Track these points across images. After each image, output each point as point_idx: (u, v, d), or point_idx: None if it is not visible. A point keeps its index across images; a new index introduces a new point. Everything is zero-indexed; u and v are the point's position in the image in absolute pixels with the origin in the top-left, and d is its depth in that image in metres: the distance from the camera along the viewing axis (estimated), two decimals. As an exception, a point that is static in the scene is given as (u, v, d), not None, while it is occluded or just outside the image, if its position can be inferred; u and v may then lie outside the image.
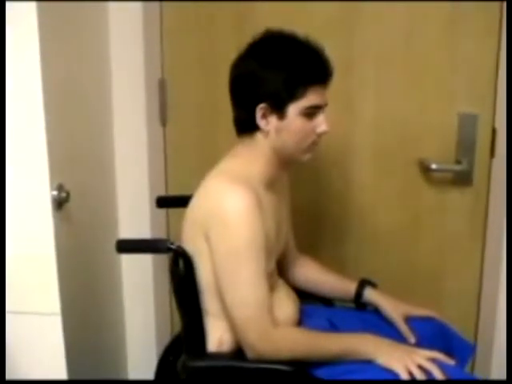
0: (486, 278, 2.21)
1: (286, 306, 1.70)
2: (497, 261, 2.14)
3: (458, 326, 1.80)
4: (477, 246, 2.20)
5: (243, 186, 1.51)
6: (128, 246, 1.78)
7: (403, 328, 1.73)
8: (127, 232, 2.26)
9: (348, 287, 1.85)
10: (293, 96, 1.54)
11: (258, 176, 1.61)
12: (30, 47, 1.49)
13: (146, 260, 2.29)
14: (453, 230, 2.20)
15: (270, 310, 1.53)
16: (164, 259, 2.23)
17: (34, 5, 1.47)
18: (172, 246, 1.63)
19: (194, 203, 1.63)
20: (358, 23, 2.09)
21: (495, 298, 2.17)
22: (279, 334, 1.54)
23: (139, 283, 2.34)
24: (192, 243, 1.61)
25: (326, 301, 1.93)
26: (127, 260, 2.29)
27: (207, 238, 1.54)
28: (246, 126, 1.61)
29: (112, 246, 1.69)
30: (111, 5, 2.10)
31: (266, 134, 1.58)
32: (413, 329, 1.72)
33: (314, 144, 1.62)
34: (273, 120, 1.56)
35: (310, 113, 1.57)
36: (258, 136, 1.60)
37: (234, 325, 1.54)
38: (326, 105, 1.60)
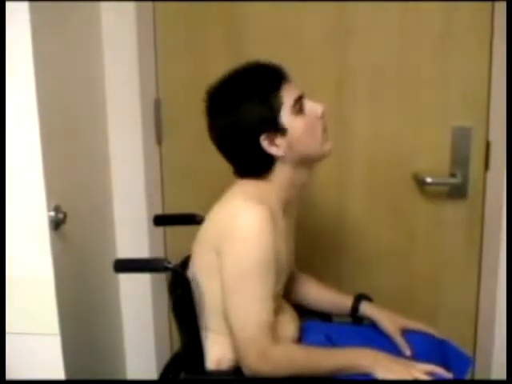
0: (483, 290, 2.21)
1: (289, 329, 1.70)
2: (493, 273, 2.15)
3: (456, 340, 1.80)
4: (473, 258, 2.20)
5: (260, 205, 1.51)
6: (126, 266, 1.78)
7: (399, 341, 1.73)
8: (125, 251, 2.26)
9: (344, 302, 1.85)
10: (275, 108, 1.55)
11: (276, 201, 1.60)
12: (23, 67, 1.50)
13: (144, 279, 2.29)
14: (449, 243, 2.20)
15: (272, 329, 1.53)
16: (162, 278, 2.23)
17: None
18: (169, 266, 1.63)
19: (207, 221, 1.62)
20: (350, 40, 2.10)
21: (493, 311, 2.17)
22: (278, 352, 1.53)
23: (138, 302, 2.34)
24: (201, 258, 1.61)
25: (324, 316, 1.93)
26: (125, 280, 2.29)
27: (218, 254, 1.54)
28: (260, 165, 1.60)
29: (110, 265, 1.70)
30: (105, 25, 2.12)
31: (283, 157, 1.58)
32: (409, 342, 1.72)
33: (325, 130, 1.62)
34: (280, 140, 1.56)
35: (299, 108, 1.57)
36: (277, 167, 1.59)
37: (235, 342, 1.54)
38: (304, 93, 1.60)
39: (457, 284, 2.23)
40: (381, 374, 1.48)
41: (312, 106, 1.60)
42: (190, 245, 1.76)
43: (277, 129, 1.56)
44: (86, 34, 2.04)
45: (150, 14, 2.14)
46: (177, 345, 1.91)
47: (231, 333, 1.55)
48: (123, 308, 2.35)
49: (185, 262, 1.77)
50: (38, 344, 1.63)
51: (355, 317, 1.84)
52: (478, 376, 2.21)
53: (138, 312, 2.36)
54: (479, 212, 2.16)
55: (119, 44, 2.15)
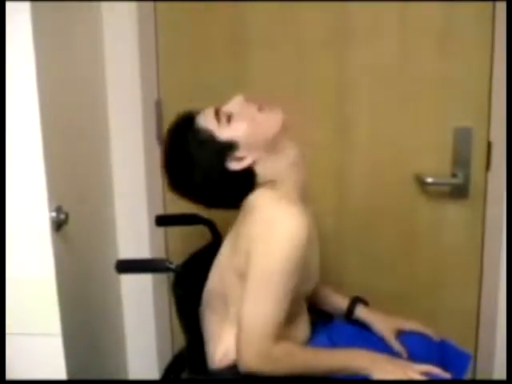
0: (484, 290, 2.20)
1: (304, 329, 1.71)
2: (495, 273, 2.15)
3: (458, 340, 1.80)
4: (474, 258, 2.20)
5: (293, 206, 1.51)
6: (127, 266, 1.79)
7: (393, 344, 1.73)
8: (126, 252, 2.27)
9: (340, 303, 1.87)
10: (209, 135, 1.57)
11: (295, 196, 1.60)
12: (25, 68, 1.50)
13: (145, 279, 2.29)
14: (450, 244, 2.20)
15: (276, 329, 1.52)
16: (163, 278, 2.24)
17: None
18: (171, 266, 1.63)
19: (241, 233, 1.60)
20: (351, 40, 2.10)
21: (494, 311, 2.17)
22: (277, 351, 1.53)
23: (139, 302, 2.35)
24: (234, 269, 1.59)
25: (326, 315, 1.93)
26: (127, 280, 2.30)
27: (248, 252, 1.52)
28: (249, 184, 1.61)
29: (111, 266, 1.70)
30: (106, 27, 2.13)
31: (256, 161, 1.59)
32: (405, 344, 1.73)
33: (261, 107, 1.62)
34: (240, 152, 1.57)
35: (224, 117, 1.58)
36: (261, 169, 1.60)
37: (239, 334, 1.53)
38: (218, 106, 1.61)
39: (458, 284, 2.23)
40: (377, 376, 1.49)
41: (230, 104, 1.61)
42: (192, 245, 1.77)
43: (227, 147, 1.57)
44: (86, 35, 2.05)
45: (151, 15, 2.14)
46: (178, 345, 1.92)
47: (238, 324, 1.53)
48: (125, 308, 2.36)
49: (186, 263, 1.78)
50: (40, 344, 1.64)
51: (350, 319, 1.84)
52: (480, 377, 2.21)
53: (139, 312, 2.36)
54: (480, 212, 2.16)
55: (120, 45, 2.15)
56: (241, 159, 1.58)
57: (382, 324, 1.78)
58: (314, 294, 1.87)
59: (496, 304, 2.16)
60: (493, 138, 2.09)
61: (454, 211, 2.18)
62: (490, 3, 2.01)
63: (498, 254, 2.13)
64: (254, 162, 1.59)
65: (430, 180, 2.11)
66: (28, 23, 1.48)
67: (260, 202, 1.58)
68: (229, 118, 1.58)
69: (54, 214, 1.67)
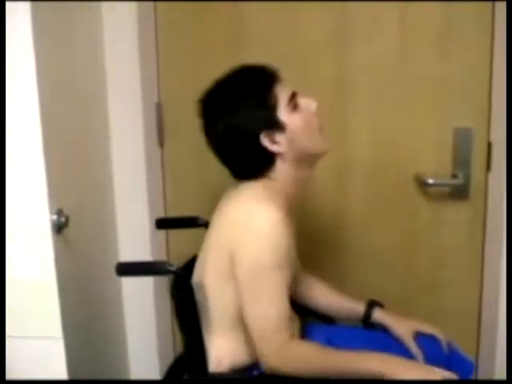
0: (485, 291, 2.20)
1: (296, 324, 1.71)
2: (496, 274, 2.15)
3: (459, 341, 1.80)
4: (475, 259, 2.20)
5: (273, 205, 1.52)
6: (128, 269, 1.78)
7: (412, 346, 1.72)
8: (127, 255, 2.27)
9: (356, 308, 1.85)
10: (271, 106, 1.57)
11: (284, 199, 1.60)
12: (25, 70, 1.50)
13: (146, 282, 2.29)
14: (451, 244, 2.20)
15: (289, 324, 1.54)
16: (165, 281, 2.23)
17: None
18: (171, 268, 1.63)
19: (216, 226, 1.63)
20: (351, 40, 2.11)
21: (496, 312, 2.17)
22: (295, 348, 1.53)
23: (140, 305, 2.34)
24: (212, 262, 1.61)
25: (327, 319, 1.93)
26: (128, 283, 2.30)
27: (232, 257, 1.54)
28: (261, 165, 1.62)
29: (112, 269, 1.70)
30: (106, 29, 2.13)
31: (283, 154, 1.59)
32: (419, 346, 1.72)
33: (321, 127, 1.64)
34: (279, 137, 1.58)
35: (295, 104, 1.59)
36: (278, 165, 1.61)
37: (253, 339, 1.54)
38: (296, 91, 1.62)
39: (458, 284, 2.23)
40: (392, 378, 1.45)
41: (306, 102, 1.62)
42: (193, 248, 1.76)
43: (275, 126, 1.57)
44: (86, 36, 2.05)
45: (151, 16, 2.14)
46: (179, 347, 1.91)
47: (248, 328, 1.54)
48: (126, 311, 2.36)
49: (187, 265, 1.77)
50: (41, 347, 1.63)
51: (366, 323, 1.84)
52: (481, 377, 2.20)
53: (140, 315, 2.36)
54: (481, 213, 2.16)
55: (121, 48, 2.15)
56: (275, 142, 1.58)
57: (401, 327, 1.77)
58: (324, 299, 1.88)
59: (497, 304, 2.16)
60: (493, 139, 2.10)
61: (454, 212, 2.18)
62: (490, 3, 2.02)
63: (499, 254, 2.13)
64: (280, 154, 1.59)
65: (430, 181, 2.11)
66: (28, 24, 1.48)
67: (240, 200, 1.59)
68: (295, 107, 1.59)
69: (54, 217, 1.67)
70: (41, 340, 1.63)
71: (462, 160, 2.13)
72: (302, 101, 1.61)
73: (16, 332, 1.59)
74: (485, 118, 2.10)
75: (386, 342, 1.76)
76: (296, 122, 1.59)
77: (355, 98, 2.15)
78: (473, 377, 2.00)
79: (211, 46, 2.16)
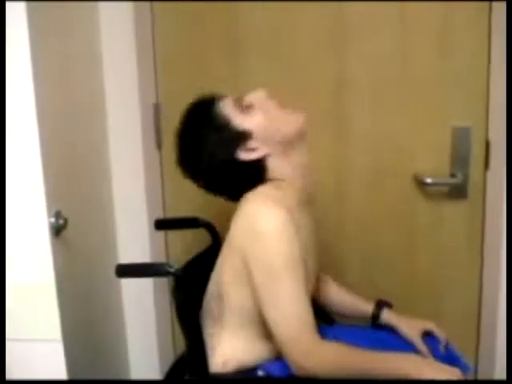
0: (485, 290, 2.20)
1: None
2: (495, 273, 2.15)
3: (458, 341, 1.79)
4: (475, 258, 2.20)
5: (277, 205, 1.51)
6: (127, 271, 1.78)
7: (421, 347, 1.72)
8: (126, 256, 2.26)
9: (365, 308, 1.86)
10: (225, 122, 1.59)
11: (293, 195, 1.61)
12: (22, 72, 1.50)
13: (146, 283, 2.29)
14: (450, 244, 2.20)
15: (313, 324, 1.52)
16: (164, 282, 2.24)
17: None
18: (171, 270, 1.63)
19: (233, 225, 1.61)
20: (349, 42, 2.11)
21: (495, 311, 2.17)
22: (323, 349, 1.51)
23: (140, 307, 2.34)
24: (227, 263, 1.61)
25: (327, 318, 1.93)
26: (127, 284, 2.30)
27: (244, 259, 1.53)
28: (256, 176, 1.62)
29: (112, 270, 1.70)
30: (104, 30, 2.12)
31: (267, 154, 1.60)
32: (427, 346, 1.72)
33: (284, 106, 1.63)
34: (252, 143, 1.59)
35: (244, 106, 1.60)
36: (270, 165, 1.61)
37: (278, 342, 1.52)
38: (239, 96, 1.63)
39: (458, 284, 2.23)
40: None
41: (253, 95, 1.62)
42: (192, 248, 1.77)
43: (241, 136, 1.58)
44: (83, 38, 2.04)
45: (148, 17, 2.14)
46: (180, 349, 1.91)
47: (272, 332, 1.52)
48: (125, 313, 2.36)
49: (187, 266, 1.78)
50: (41, 350, 1.64)
51: (375, 323, 1.84)
52: (481, 377, 2.20)
53: (140, 316, 2.36)
54: (480, 212, 2.16)
55: (118, 48, 2.15)
56: (252, 150, 1.59)
57: (409, 327, 1.78)
58: (335, 298, 1.89)
59: (496, 303, 2.16)
60: (491, 138, 2.09)
61: (453, 211, 2.18)
62: (487, 3, 2.01)
63: (498, 253, 2.13)
64: (264, 156, 1.59)
65: (429, 180, 2.11)
66: (24, 25, 1.48)
67: (249, 202, 1.58)
68: (248, 109, 1.60)
69: (53, 220, 1.67)
70: (40, 343, 1.63)
71: (460, 159, 2.13)
72: (249, 97, 1.62)
73: (15, 335, 1.59)
74: (483, 117, 2.09)
75: (390, 341, 1.75)
76: (256, 120, 1.59)
77: (354, 98, 2.14)
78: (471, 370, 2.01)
79: (209, 47, 2.16)
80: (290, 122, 1.62)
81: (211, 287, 1.68)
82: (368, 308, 1.85)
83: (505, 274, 2.11)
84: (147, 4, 2.14)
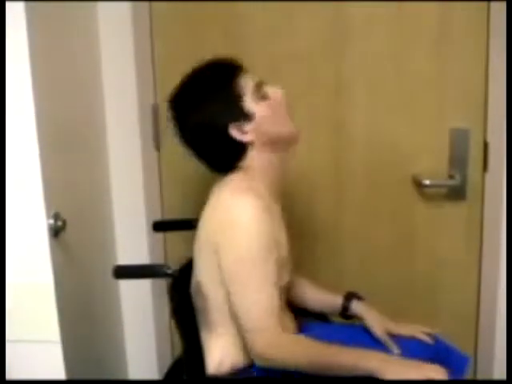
0: (483, 291, 2.20)
1: (288, 329, 1.69)
2: (494, 274, 2.15)
3: (457, 341, 1.79)
4: (473, 259, 2.20)
5: (250, 194, 1.53)
6: (126, 272, 1.79)
7: (384, 339, 1.72)
8: (125, 258, 2.26)
9: (335, 301, 1.85)
10: (237, 96, 1.60)
11: (264, 188, 1.62)
12: (20, 72, 1.50)
13: (144, 285, 2.29)
14: (448, 245, 2.20)
15: (278, 316, 1.52)
16: (162, 283, 2.23)
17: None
18: (169, 271, 1.64)
19: (201, 224, 1.63)
20: (346, 45, 2.11)
21: (494, 312, 2.17)
22: (287, 339, 1.53)
23: (138, 308, 2.34)
24: (201, 260, 1.62)
25: (320, 317, 1.93)
26: (126, 285, 2.29)
27: (216, 251, 1.54)
28: (234, 156, 1.63)
29: (110, 272, 1.70)
30: (102, 32, 2.13)
31: (254, 143, 1.61)
32: (402, 346, 1.70)
33: (289, 113, 1.66)
34: (248, 126, 1.60)
35: (261, 93, 1.61)
36: (251, 154, 1.62)
37: (243, 331, 1.53)
38: (262, 80, 1.64)
39: (457, 285, 2.23)
40: (389, 377, 1.41)
41: (273, 91, 1.64)
42: (190, 250, 1.76)
43: (243, 116, 1.60)
44: (82, 38, 2.04)
45: (146, 17, 2.14)
46: (178, 350, 1.91)
47: (237, 322, 1.54)
48: (124, 314, 2.35)
49: (185, 268, 1.77)
50: (39, 351, 1.63)
51: (346, 315, 1.84)
52: (480, 377, 2.21)
53: (138, 318, 2.35)
54: (478, 213, 2.16)
55: (116, 50, 2.15)
56: (244, 132, 1.60)
57: (374, 320, 1.77)
58: (309, 296, 1.88)
59: (495, 304, 2.16)
60: (489, 139, 2.10)
61: (451, 213, 2.18)
62: (485, 3, 2.02)
63: (497, 254, 2.13)
64: (251, 143, 1.61)
65: (427, 182, 2.11)
66: (23, 25, 1.48)
67: (220, 192, 1.60)
68: (263, 97, 1.61)
69: (51, 221, 1.66)
70: (38, 344, 1.62)
71: (458, 161, 2.13)
72: (269, 89, 1.63)
73: (13, 336, 1.59)
74: (481, 118, 2.10)
75: (360, 337, 1.75)
76: (264, 111, 1.61)
77: (352, 98, 2.14)
78: (470, 369, 2.01)
79: (207, 47, 2.15)
80: (288, 127, 1.65)
81: (193, 286, 1.68)
82: (338, 300, 1.85)
83: (504, 275, 2.12)
84: (146, 4, 2.14)
